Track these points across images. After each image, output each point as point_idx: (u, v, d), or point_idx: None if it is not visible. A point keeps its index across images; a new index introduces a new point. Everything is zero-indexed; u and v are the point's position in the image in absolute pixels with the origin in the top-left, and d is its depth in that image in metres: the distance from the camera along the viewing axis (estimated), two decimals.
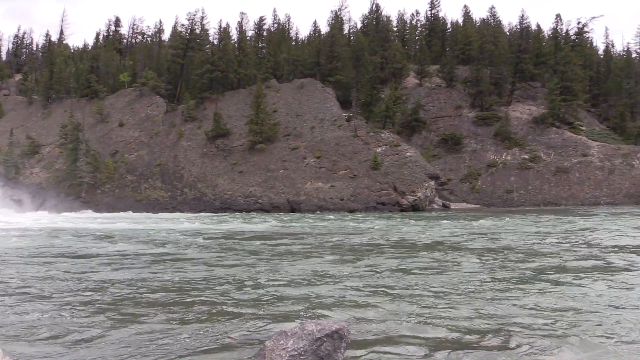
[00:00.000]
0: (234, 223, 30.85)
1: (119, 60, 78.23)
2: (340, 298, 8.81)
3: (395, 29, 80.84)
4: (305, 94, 59.32)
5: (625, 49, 75.12)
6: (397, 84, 62.76)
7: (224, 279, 10.84)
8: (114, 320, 7.40)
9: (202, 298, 8.87)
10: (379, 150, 49.62)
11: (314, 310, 7.86)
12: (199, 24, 68.37)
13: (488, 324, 7.17)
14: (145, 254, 15.33)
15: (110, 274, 11.55)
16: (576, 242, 17.17)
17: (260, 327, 7.03)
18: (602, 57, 74.19)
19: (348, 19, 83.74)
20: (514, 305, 8.19)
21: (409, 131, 58.65)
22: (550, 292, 9.19)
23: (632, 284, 9.79)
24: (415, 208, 43.89)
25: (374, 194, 45.57)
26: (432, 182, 47.58)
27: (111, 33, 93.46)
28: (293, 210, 45.16)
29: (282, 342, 5.02)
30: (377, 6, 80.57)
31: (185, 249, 16.57)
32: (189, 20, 66.51)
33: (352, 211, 43.14)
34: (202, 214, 44.47)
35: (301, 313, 7.73)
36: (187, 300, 8.72)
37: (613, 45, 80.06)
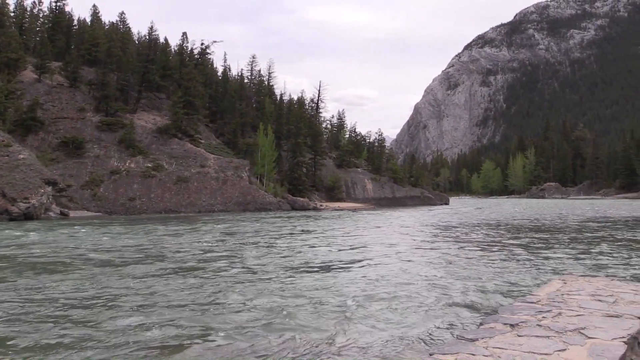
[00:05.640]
0: None
1: None
2: None
3: (12, 14, 71.99)
4: None
5: (240, 74, 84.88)
6: (10, 77, 55.96)
7: None
8: None
9: None
10: None
11: None
12: None
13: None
14: None
15: None
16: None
17: None
18: (220, 78, 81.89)
19: None
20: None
21: (23, 131, 52.93)
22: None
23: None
24: (28, 216, 39.78)
25: None
26: (49, 188, 44.03)
27: None
28: None
29: None
30: None
31: None
32: None
33: None
34: None
35: None
36: None
37: (230, 70, 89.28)
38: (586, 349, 3.69)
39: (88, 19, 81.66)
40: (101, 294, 10.36)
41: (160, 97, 67.67)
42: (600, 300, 5.16)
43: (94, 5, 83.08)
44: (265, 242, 21.12)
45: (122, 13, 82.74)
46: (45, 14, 77.67)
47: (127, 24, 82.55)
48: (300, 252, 17.95)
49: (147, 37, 72.10)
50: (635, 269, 13.63)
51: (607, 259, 15.50)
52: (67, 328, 7.86)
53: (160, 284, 11.58)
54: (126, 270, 13.50)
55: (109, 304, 9.53)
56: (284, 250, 18.46)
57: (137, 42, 77.59)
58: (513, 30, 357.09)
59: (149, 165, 54.57)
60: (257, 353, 6.83)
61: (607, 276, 11.73)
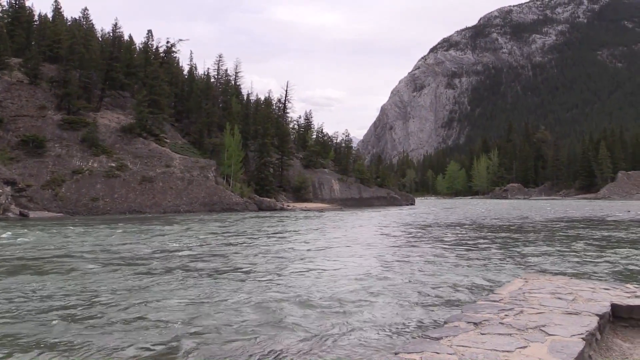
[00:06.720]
0: None
1: None
2: None
3: None
4: None
5: (206, 74, 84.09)
6: None
7: None
8: None
9: None
10: None
11: None
12: None
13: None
14: None
15: None
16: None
17: None
18: (186, 77, 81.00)
19: None
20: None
21: None
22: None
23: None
24: None
25: None
26: (8, 189, 42.85)
27: None
28: None
29: None
30: None
31: None
32: None
33: None
34: None
35: None
36: None
37: (196, 68, 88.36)
38: (546, 345, 3.79)
39: (49, 15, 79.67)
40: (86, 296, 10.14)
41: (124, 95, 66.46)
42: (560, 299, 5.31)
43: (56, 1, 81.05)
44: (246, 243, 20.98)
45: (85, 9, 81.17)
46: (4, 8, 75.36)
47: (90, 21, 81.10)
48: (280, 256, 17.89)
49: (111, 34, 70.78)
50: (592, 267, 14.03)
51: (567, 258, 15.93)
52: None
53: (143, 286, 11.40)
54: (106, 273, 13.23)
55: (87, 305, 9.33)
56: (267, 251, 18.37)
57: (100, 39, 76.07)
58: (477, 34, 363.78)
59: (113, 164, 53.52)
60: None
61: (566, 274, 12.05)
